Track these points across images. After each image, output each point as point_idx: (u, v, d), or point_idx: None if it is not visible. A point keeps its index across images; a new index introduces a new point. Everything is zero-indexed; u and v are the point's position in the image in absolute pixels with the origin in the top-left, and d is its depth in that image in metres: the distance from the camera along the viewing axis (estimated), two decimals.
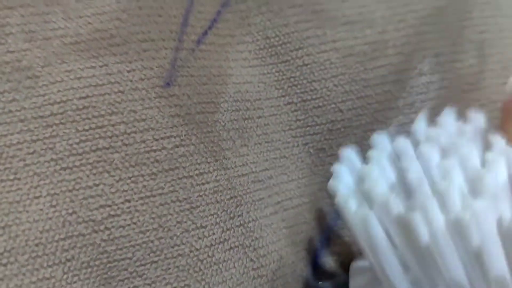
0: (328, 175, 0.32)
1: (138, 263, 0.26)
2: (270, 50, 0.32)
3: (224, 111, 0.29)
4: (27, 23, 0.27)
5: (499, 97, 0.35)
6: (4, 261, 0.24)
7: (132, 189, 0.26)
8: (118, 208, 0.25)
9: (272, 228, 0.30)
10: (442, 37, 0.34)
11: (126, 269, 0.25)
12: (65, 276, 0.24)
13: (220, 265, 0.28)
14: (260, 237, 0.29)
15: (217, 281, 0.28)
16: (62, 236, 0.24)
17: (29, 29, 0.26)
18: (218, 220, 0.28)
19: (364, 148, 0.32)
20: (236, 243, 0.28)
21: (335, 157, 0.32)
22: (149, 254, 0.26)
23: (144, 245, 0.26)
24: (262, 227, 0.29)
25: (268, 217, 0.30)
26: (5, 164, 0.24)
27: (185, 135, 0.27)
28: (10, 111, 0.25)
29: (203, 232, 0.27)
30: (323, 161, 0.32)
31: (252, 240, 0.29)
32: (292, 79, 0.32)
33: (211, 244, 0.27)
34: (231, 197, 0.28)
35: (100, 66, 0.27)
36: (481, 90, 0.35)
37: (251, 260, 0.29)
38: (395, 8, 0.34)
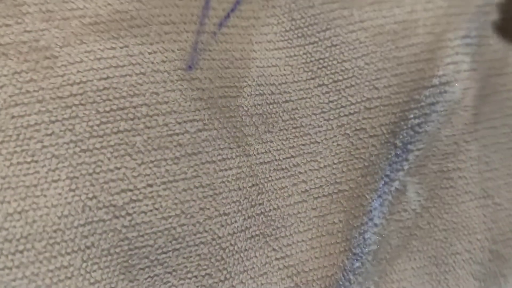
0: (372, 159, 0.32)
1: (159, 251, 0.25)
2: (296, 31, 0.31)
3: (248, 95, 0.29)
4: (44, 2, 0.26)
5: None
6: (20, 247, 0.23)
7: (155, 173, 0.25)
8: (140, 193, 0.25)
9: (298, 217, 0.29)
10: (470, 20, 0.34)
11: (147, 257, 0.25)
12: (84, 264, 0.24)
13: (242, 254, 0.28)
14: (283, 226, 0.29)
15: (239, 270, 0.27)
16: (81, 222, 0.24)
17: (47, 9, 0.26)
18: (240, 207, 0.28)
19: (402, 127, 0.32)
20: (257, 232, 0.28)
21: (377, 139, 0.32)
22: (171, 242, 0.25)
23: (166, 232, 0.25)
24: (284, 216, 0.29)
25: (293, 206, 0.29)
26: (22, 146, 0.24)
27: (207, 119, 0.27)
28: (28, 92, 0.25)
29: (226, 219, 0.27)
30: (365, 142, 0.32)
31: (273, 229, 0.29)
32: (321, 61, 0.32)
33: (234, 232, 0.27)
34: (253, 185, 0.28)
35: (121, 48, 0.26)
36: (507, 75, 0.34)
37: (273, 249, 0.28)
38: None
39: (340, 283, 0.30)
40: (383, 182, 0.32)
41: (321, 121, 0.31)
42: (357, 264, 0.31)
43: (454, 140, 0.33)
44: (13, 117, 0.24)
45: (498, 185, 0.34)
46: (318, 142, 0.31)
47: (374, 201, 0.32)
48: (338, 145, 0.31)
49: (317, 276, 0.29)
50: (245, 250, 0.28)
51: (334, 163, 0.31)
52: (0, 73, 0.25)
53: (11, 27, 0.26)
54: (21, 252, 0.23)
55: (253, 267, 0.28)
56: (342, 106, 0.32)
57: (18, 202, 0.24)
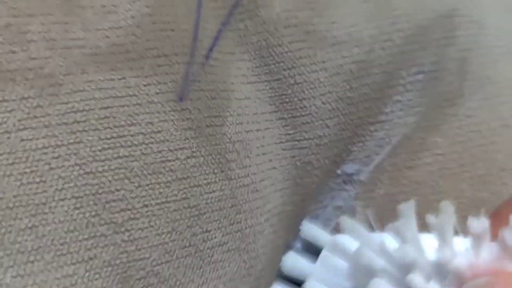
0: (312, 188, 0.36)
1: (154, 263, 0.29)
2: (264, 68, 0.35)
3: (230, 124, 0.32)
4: (47, 31, 0.29)
5: (475, 112, 0.39)
6: (31, 258, 0.26)
7: (150, 195, 0.29)
8: (138, 212, 0.28)
9: (263, 234, 0.34)
10: (425, 55, 0.38)
11: (143, 269, 0.28)
12: (87, 274, 0.27)
13: (218, 264, 0.32)
14: (253, 242, 0.33)
15: (214, 277, 0.31)
16: (85, 236, 0.27)
17: (50, 37, 0.29)
18: (220, 225, 0.31)
19: (342, 160, 0.36)
20: (233, 246, 0.32)
21: (320, 170, 0.36)
22: (164, 255, 0.29)
23: (160, 246, 0.29)
24: (256, 233, 0.33)
25: (262, 224, 0.33)
26: (31, 167, 0.27)
27: (196, 147, 0.31)
28: (35, 117, 0.27)
29: (207, 235, 0.31)
30: (309, 173, 0.36)
31: (247, 244, 0.33)
32: (283, 96, 0.35)
33: (212, 246, 0.31)
34: (232, 206, 0.32)
35: (119, 79, 0.29)
36: (459, 106, 0.38)
37: (244, 261, 0.33)
38: (382, 27, 0.38)
39: None
40: (319, 206, 0.37)
41: (279, 150, 0.35)
42: None
43: (398, 168, 0.38)
44: (22, 140, 0.27)
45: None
46: (276, 168, 0.35)
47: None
48: (288, 173, 0.36)
49: (265, 282, 0.34)
50: (221, 261, 0.32)
51: (284, 188, 0.35)
52: (9, 97, 0.27)
53: (17, 54, 0.28)
54: (32, 262, 0.26)
55: (226, 275, 0.32)
56: (296, 140, 0.36)
57: (29, 218, 0.27)
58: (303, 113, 0.36)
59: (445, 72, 0.39)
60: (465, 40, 0.39)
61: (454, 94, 0.39)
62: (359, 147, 0.37)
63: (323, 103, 0.36)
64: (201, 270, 0.31)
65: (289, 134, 0.36)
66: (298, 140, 0.36)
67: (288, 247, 0.35)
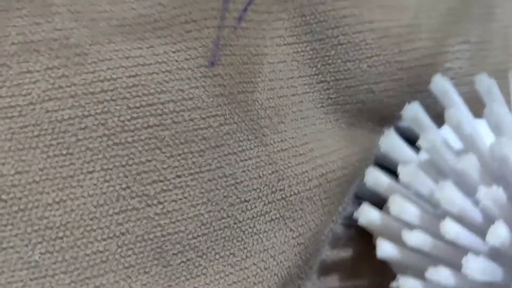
0: (363, 145, 0.34)
1: (190, 236, 0.28)
2: (305, 27, 0.34)
3: (261, 90, 0.31)
4: (72, 3, 0.28)
5: None
6: (60, 234, 0.26)
7: (183, 165, 0.28)
8: (170, 183, 0.28)
9: (313, 200, 0.32)
10: (469, 27, 0.37)
11: (179, 243, 0.28)
12: (119, 250, 0.26)
13: (261, 235, 0.30)
14: (300, 209, 0.32)
15: (259, 249, 0.30)
16: (116, 210, 0.26)
17: (75, 10, 0.28)
18: (260, 194, 0.30)
19: (389, 123, 0.35)
20: (277, 215, 0.31)
21: (365, 130, 0.34)
22: (200, 227, 0.28)
23: (195, 218, 0.28)
24: (303, 200, 0.32)
25: (311, 190, 0.32)
26: (57, 139, 0.26)
27: (228, 114, 0.30)
28: (61, 87, 0.27)
29: (246, 205, 0.30)
30: (355, 133, 0.35)
31: (293, 212, 0.31)
32: (326, 58, 0.34)
33: (253, 217, 0.30)
34: (273, 172, 0.31)
35: (147, 48, 0.29)
36: (505, 80, 0.37)
37: (291, 230, 0.31)
38: None
39: None
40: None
41: (321, 114, 0.34)
42: None
43: None
44: (47, 111, 0.26)
45: None
46: (323, 132, 0.34)
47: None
48: (336, 134, 0.34)
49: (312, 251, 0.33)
50: (265, 231, 0.31)
51: (339, 148, 0.34)
52: (33, 68, 0.27)
53: (42, 25, 0.27)
54: (61, 238, 0.26)
55: (273, 247, 0.31)
56: (339, 104, 0.34)
57: (56, 192, 0.26)
58: (347, 76, 0.34)
59: (490, 45, 0.38)
60: (504, 17, 0.39)
61: (500, 67, 0.38)
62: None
63: (369, 66, 0.34)
64: (243, 243, 0.30)
65: (331, 98, 0.34)
66: (341, 104, 0.34)
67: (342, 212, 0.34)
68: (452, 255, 0.28)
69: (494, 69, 0.37)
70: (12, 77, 0.26)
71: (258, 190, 0.30)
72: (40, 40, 0.27)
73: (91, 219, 0.26)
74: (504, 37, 0.38)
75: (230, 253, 0.29)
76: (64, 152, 0.26)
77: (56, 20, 0.28)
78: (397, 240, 0.30)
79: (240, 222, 0.30)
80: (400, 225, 0.30)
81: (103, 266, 0.26)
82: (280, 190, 0.31)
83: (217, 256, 0.29)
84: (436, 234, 0.28)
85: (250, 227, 0.30)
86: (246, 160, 0.30)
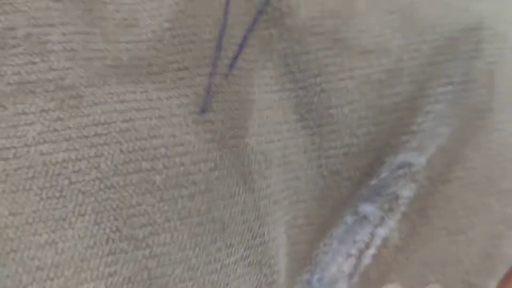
0: (341, 198, 0.36)
1: (177, 280, 0.29)
2: (289, 76, 0.35)
3: (252, 135, 0.32)
4: (68, 41, 0.29)
5: (505, 126, 0.39)
6: (51, 275, 0.26)
7: (172, 210, 0.29)
8: (159, 227, 0.28)
9: (282, 246, 0.33)
10: (454, 66, 0.38)
11: (165, 286, 0.28)
12: None
13: (241, 279, 0.31)
14: (276, 255, 0.33)
15: None
16: (105, 253, 0.27)
17: (71, 48, 0.29)
18: (243, 239, 0.31)
19: (375, 170, 0.36)
20: (255, 260, 0.32)
21: (349, 180, 0.36)
22: (187, 271, 0.29)
23: (183, 263, 0.29)
24: (278, 246, 0.33)
25: (281, 236, 0.33)
26: (51, 181, 0.27)
27: (219, 159, 0.30)
28: (56, 130, 0.28)
29: (231, 250, 0.31)
30: (337, 184, 0.35)
31: (269, 258, 0.32)
32: (309, 105, 0.35)
33: (236, 261, 0.31)
34: (255, 218, 0.32)
35: (141, 92, 0.29)
36: (489, 119, 0.38)
37: (265, 275, 0.33)
38: (410, 38, 0.37)
39: None
40: (349, 216, 0.37)
41: (304, 160, 0.35)
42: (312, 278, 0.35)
43: (432, 182, 0.37)
44: (42, 154, 0.27)
45: (472, 222, 0.38)
46: (300, 179, 0.35)
47: (337, 232, 0.36)
48: (314, 184, 0.35)
49: None
50: (243, 275, 0.32)
51: (310, 199, 0.35)
52: (29, 110, 0.27)
53: (37, 64, 0.28)
54: (52, 279, 0.26)
55: None
56: (323, 149, 0.36)
57: (48, 234, 0.27)
58: (330, 121, 0.35)
59: (474, 84, 0.39)
60: (491, 53, 0.39)
61: (484, 106, 0.39)
62: (392, 158, 0.37)
63: (351, 111, 0.36)
64: (227, 287, 0.31)
65: (315, 143, 0.35)
66: (325, 149, 0.36)
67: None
68: None
69: (475, 109, 0.38)
70: (7, 118, 0.27)
71: (241, 235, 0.31)
72: (35, 81, 0.28)
73: (81, 260, 0.27)
74: (489, 75, 0.39)
75: None
76: (57, 194, 0.27)
77: (51, 59, 0.28)
78: None
79: (226, 266, 0.30)
80: None
81: None
82: (260, 236, 0.32)
83: None
84: None
85: (233, 272, 0.31)
86: (234, 205, 0.31)
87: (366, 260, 0.37)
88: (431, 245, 0.37)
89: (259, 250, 0.32)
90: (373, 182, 0.37)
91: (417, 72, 0.37)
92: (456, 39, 0.38)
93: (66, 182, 0.27)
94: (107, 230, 0.28)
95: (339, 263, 0.36)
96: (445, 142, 0.38)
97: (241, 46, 0.33)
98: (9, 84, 0.27)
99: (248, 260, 0.32)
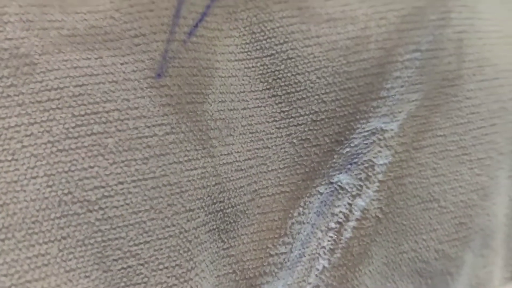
0: (313, 165, 0.36)
1: (131, 243, 0.29)
2: (255, 44, 0.35)
3: (212, 101, 0.32)
4: (25, 13, 0.29)
5: (474, 94, 0.39)
6: (2, 236, 0.27)
7: (125, 172, 0.29)
8: (112, 189, 0.29)
9: (246, 213, 0.33)
10: (421, 34, 0.38)
11: (120, 249, 0.28)
12: (60, 254, 0.27)
13: (203, 245, 0.32)
14: (234, 222, 0.33)
15: (200, 260, 0.31)
16: (57, 215, 0.27)
17: (27, 19, 0.29)
18: (203, 204, 0.31)
19: (347, 137, 0.36)
20: (214, 226, 0.32)
21: (319, 147, 0.36)
22: (142, 234, 0.29)
23: (137, 225, 0.29)
24: (237, 213, 0.33)
25: (245, 203, 0.33)
26: (3, 145, 0.27)
27: (175, 123, 0.31)
28: (9, 96, 0.28)
29: (191, 215, 0.31)
30: (308, 151, 0.36)
31: (226, 225, 0.33)
32: (276, 72, 0.35)
33: (197, 226, 0.31)
34: (216, 184, 0.32)
35: (95, 58, 0.30)
36: (458, 87, 0.38)
37: (222, 241, 0.33)
38: (376, 7, 0.38)
39: (272, 271, 0.34)
40: (323, 185, 0.36)
41: (272, 129, 0.35)
42: (291, 255, 0.35)
43: (405, 148, 0.37)
44: None
45: (444, 190, 0.38)
46: (269, 148, 0.35)
47: (312, 202, 0.36)
48: (284, 152, 0.35)
49: (252, 266, 0.34)
50: (204, 242, 0.32)
51: (280, 168, 0.35)
52: None
53: None
54: (3, 240, 0.27)
55: (209, 257, 0.32)
56: (291, 117, 0.36)
57: (0, 196, 0.27)
58: (297, 89, 0.36)
59: (443, 52, 0.39)
60: (459, 23, 0.39)
61: (453, 74, 0.39)
62: (363, 124, 0.37)
63: (318, 77, 0.36)
64: (189, 253, 0.31)
65: (283, 111, 0.35)
66: (294, 117, 0.36)
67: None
68: None
69: (444, 77, 0.38)
70: None
71: (201, 200, 0.31)
72: None
73: (33, 223, 0.27)
74: (458, 43, 0.39)
75: (176, 264, 0.30)
76: (9, 158, 0.27)
77: (7, 29, 0.29)
78: None
79: (186, 231, 0.31)
80: None
81: (44, 269, 0.27)
82: (220, 202, 0.32)
83: (161, 266, 0.30)
84: None
85: (195, 237, 0.31)
86: (191, 170, 0.31)
87: (347, 233, 0.37)
88: (406, 214, 0.37)
89: (218, 216, 0.32)
90: (346, 150, 0.37)
91: (384, 39, 0.37)
92: (423, 8, 0.38)
93: (18, 145, 0.28)
94: (59, 193, 0.28)
95: (318, 238, 0.36)
96: (416, 109, 0.38)
97: (203, 15, 0.33)
98: None
99: (209, 226, 0.32)
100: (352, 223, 0.37)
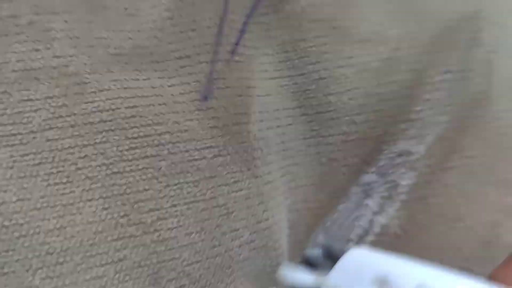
0: (340, 185, 0.36)
1: (185, 263, 0.29)
2: (288, 63, 0.36)
3: (254, 121, 0.33)
4: (71, 29, 0.30)
5: (503, 115, 0.40)
6: (60, 260, 0.27)
7: (178, 195, 0.30)
8: (166, 212, 0.29)
9: (284, 229, 0.34)
10: (452, 55, 0.39)
11: (174, 269, 0.29)
12: (117, 275, 0.28)
13: (246, 262, 0.33)
14: (280, 239, 0.34)
15: (241, 275, 0.32)
16: (114, 237, 0.28)
17: (74, 35, 0.30)
18: (247, 223, 0.32)
19: (374, 158, 0.37)
20: (261, 244, 0.33)
21: (348, 167, 0.36)
22: (194, 255, 0.30)
23: (189, 246, 0.30)
24: (281, 229, 0.34)
25: (284, 220, 0.34)
26: (58, 167, 0.28)
27: (222, 146, 0.31)
28: (61, 116, 0.28)
29: (236, 234, 0.32)
30: (336, 170, 0.36)
31: (273, 242, 0.34)
32: (308, 92, 0.36)
33: (241, 244, 0.32)
34: (260, 203, 0.33)
35: (144, 79, 0.30)
36: (487, 108, 0.39)
37: (270, 258, 0.34)
38: (408, 27, 0.38)
39: None
40: (348, 203, 0.38)
41: (302, 147, 0.36)
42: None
43: (431, 170, 0.38)
44: (47, 140, 0.28)
45: (470, 209, 0.38)
46: (298, 165, 0.36)
47: (335, 218, 0.37)
48: (313, 170, 0.36)
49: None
50: (247, 259, 0.33)
51: (307, 185, 0.36)
52: (34, 97, 0.28)
53: (41, 51, 0.29)
54: (61, 263, 0.27)
55: (252, 273, 0.33)
56: (321, 136, 0.37)
57: (56, 219, 0.27)
58: (328, 109, 0.36)
59: (473, 73, 0.39)
60: (489, 42, 0.40)
61: (482, 95, 0.40)
62: (391, 146, 0.38)
63: (350, 98, 0.36)
64: (230, 270, 0.32)
65: (314, 130, 0.36)
66: (323, 136, 0.37)
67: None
68: None
69: (473, 97, 0.39)
70: (13, 104, 0.28)
71: (246, 220, 0.32)
72: (40, 68, 0.28)
73: (90, 245, 0.28)
74: (488, 64, 0.40)
75: (218, 280, 0.31)
76: (64, 180, 0.28)
77: (55, 46, 0.29)
78: None
79: (230, 250, 0.31)
80: None
81: None
82: (265, 220, 0.33)
83: (208, 283, 0.31)
84: None
85: (238, 254, 0.32)
86: (238, 191, 0.32)
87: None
88: (430, 233, 0.38)
89: (265, 234, 0.33)
90: (372, 170, 0.38)
91: (415, 61, 0.38)
92: (454, 28, 0.39)
93: (73, 168, 0.28)
94: (115, 215, 0.28)
95: None
96: (444, 131, 0.39)
97: (242, 32, 0.34)
98: (13, 71, 0.28)
99: (255, 243, 0.33)
100: (370, 237, 0.38)
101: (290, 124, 0.36)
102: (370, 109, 0.37)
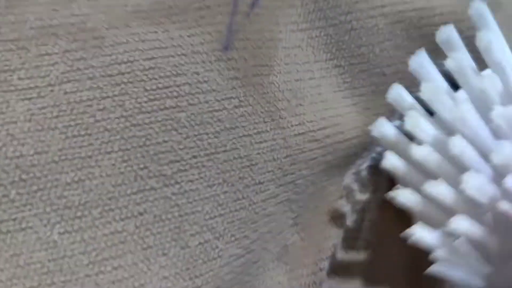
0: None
1: (207, 216, 0.29)
2: (319, 13, 0.35)
3: (277, 73, 0.33)
4: None
5: None
6: (78, 214, 0.27)
7: (198, 146, 0.29)
8: (187, 163, 0.29)
9: (315, 183, 0.34)
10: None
11: (197, 223, 0.29)
12: (137, 230, 0.28)
13: (271, 217, 0.32)
14: (304, 191, 0.33)
15: (266, 230, 0.32)
16: (134, 190, 0.28)
17: None
18: (273, 176, 0.32)
19: None
20: (285, 197, 0.32)
21: (379, 115, 0.36)
22: (216, 208, 0.29)
23: (211, 199, 0.29)
24: (308, 184, 0.33)
25: (317, 174, 0.33)
26: (76, 120, 0.27)
27: (243, 96, 0.31)
28: (79, 69, 0.28)
29: (260, 187, 0.31)
30: (371, 119, 0.35)
31: (298, 195, 0.33)
32: (340, 43, 0.35)
33: (266, 199, 0.31)
34: (287, 156, 0.32)
35: (162, 32, 0.30)
36: None
37: (292, 211, 0.33)
38: None
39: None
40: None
41: (339, 98, 0.35)
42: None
43: None
44: (66, 93, 0.28)
45: None
46: (341, 116, 0.35)
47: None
48: (352, 119, 0.35)
49: (318, 231, 0.34)
50: (273, 214, 0.32)
51: (353, 137, 0.35)
52: (52, 51, 0.28)
53: (59, 11, 0.29)
54: (80, 218, 0.27)
55: (277, 228, 0.32)
56: (354, 87, 0.36)
57: (75, 172, 0.27)
58: (360, 61, 0.36)
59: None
60: (509, 7, 0.39)
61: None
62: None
63: (381, 50, 0.36)
64: (255, 225, 0.31)
65: (346, 82, 0.35)
66: (356, 88, 0.36)
67: None
68: (455, 174, 0.29)
69: None
70: (30, 59, 0.28)
71: (271, 173, 0.31)
72: (58, 25, 0.28)
73: (109, 199, 0.27)
74: (508, 28, 0.39)
75: (244, 236, 0.31)
76: (83, 133, 0.28)
77: (73, 6, 0.29)
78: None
79: (254, 203, 0.31)
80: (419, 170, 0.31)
81: (121, 247, 0.27)
82: (291, 174, 0.32)
83: (233, 238, 0.30)
84: (444, 152, 0.29)
85: (262, 209, 0.31)
86: (261, 142, 0.31)
87: None
88: None
89: (289, 187, 0.32)
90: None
91: (448, 12, 0.37)
92: None
93: (91, 120, 0.28)
94: (135, 168, 0.28)
95: None
96: None
97: None
98: (31, 28, 0.28)
99: (279, 197, 0.32)
100: None
101: (323, 77, 0.35)
102: (399, 61, 0.36)
